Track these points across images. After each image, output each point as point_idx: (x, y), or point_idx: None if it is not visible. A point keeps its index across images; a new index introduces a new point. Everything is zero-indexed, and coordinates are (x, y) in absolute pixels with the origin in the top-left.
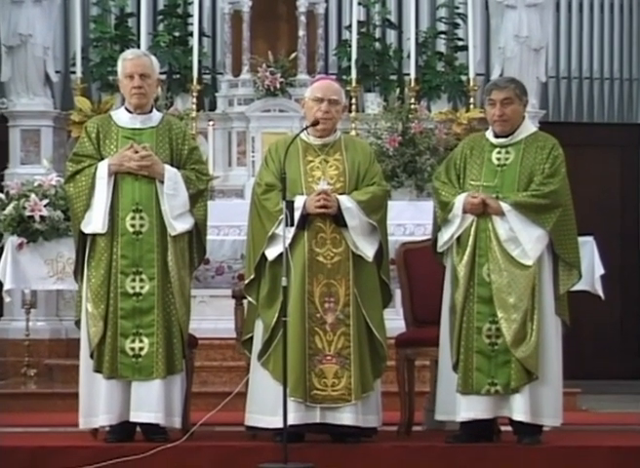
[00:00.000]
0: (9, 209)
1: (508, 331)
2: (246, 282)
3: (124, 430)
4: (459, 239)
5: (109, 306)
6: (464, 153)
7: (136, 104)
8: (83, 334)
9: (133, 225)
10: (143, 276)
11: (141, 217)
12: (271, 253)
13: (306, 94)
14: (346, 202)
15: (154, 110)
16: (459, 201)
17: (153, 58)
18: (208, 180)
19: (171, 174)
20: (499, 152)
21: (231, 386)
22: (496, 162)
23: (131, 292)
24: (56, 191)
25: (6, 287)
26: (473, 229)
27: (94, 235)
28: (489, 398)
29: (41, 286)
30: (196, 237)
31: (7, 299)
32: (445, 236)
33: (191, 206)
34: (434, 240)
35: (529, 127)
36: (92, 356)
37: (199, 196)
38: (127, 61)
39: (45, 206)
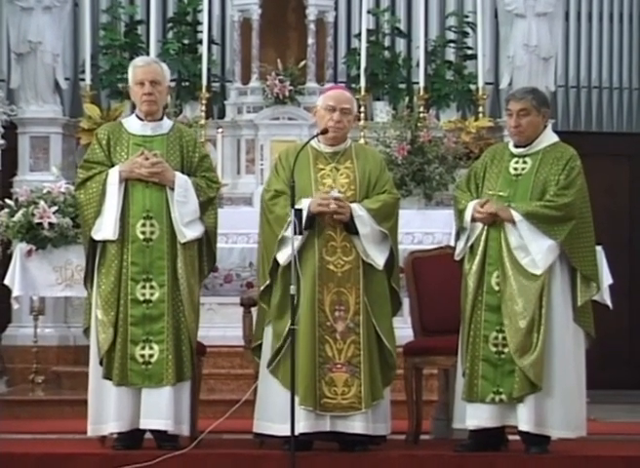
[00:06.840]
0: (18, 216)
1: (512, 339)
2: (261, 288)
3: (132, 437)
4: (472, 247)
5: (119, 313)
6: (485, 162)
7: (146, 111)
8: (92, 341)
9: (143, 232)
10: (153, 283)
11: (152, 224)
12: (282, 256)
13: (318, 102)
14: (358, 210)
15: (165, 118)
16: (468, 209)
17: (164, 65)
18: (218, 188)
19: (181, 181)
20: (516, 162)
21: (239, 394)
22: (512, 171)
23: (141, 298)
24: (64, 198)
25: (14, 293)
26: (484, 237)
27: (104, 242)
28: (494, 406)
29: (49, 293)
30: (206, 245)
31: (15, 306)
32: (460, 244)
33: (201, 213)
34: (454, 248)
35: (549, 137)
36: (101, 363)
37: (209, 204)
38: (137, 68)
39: (54, 213)
